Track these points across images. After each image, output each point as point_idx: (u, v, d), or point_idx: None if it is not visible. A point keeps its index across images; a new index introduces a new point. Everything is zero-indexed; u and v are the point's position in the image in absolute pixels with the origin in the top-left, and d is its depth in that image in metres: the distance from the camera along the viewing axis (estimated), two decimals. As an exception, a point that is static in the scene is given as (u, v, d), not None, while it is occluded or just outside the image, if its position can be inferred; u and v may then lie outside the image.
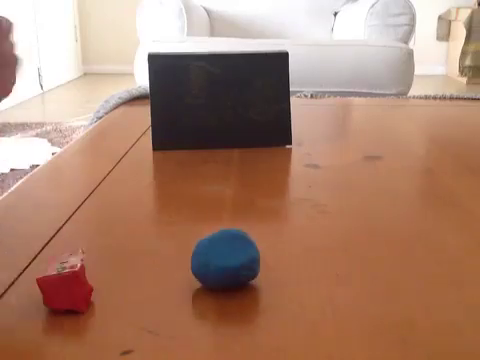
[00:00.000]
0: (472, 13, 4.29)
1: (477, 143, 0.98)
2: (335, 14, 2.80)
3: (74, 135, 2.72)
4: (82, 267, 0.44)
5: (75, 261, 0.45)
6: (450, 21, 4.77)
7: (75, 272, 0.43)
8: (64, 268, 0.44)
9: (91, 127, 1.10)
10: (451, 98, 1.43)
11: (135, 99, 1.36)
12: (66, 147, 0.94)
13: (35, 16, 4.03)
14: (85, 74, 5.06)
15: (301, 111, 1.26)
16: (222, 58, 0.92)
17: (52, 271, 0.43)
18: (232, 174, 0.80)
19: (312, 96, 1.45)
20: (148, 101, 1.33)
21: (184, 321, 0.42)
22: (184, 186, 0.74)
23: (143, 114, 1.20)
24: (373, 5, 2.33)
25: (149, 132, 1.04)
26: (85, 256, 0.53)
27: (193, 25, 2.40)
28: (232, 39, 2.24)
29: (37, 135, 2.72)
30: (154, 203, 0.68)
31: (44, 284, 0.43)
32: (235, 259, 0.45)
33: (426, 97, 1.44)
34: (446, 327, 0.42)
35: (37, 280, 0.43)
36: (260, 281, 0.48)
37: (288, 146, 0.95)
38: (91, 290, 0.45)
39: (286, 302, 0.45)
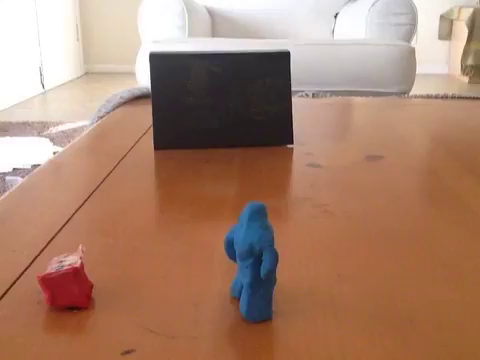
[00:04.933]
0: (474, 12, 4.28)
1: (479, 142, 0.97)
2: (335, 16, 2.79)
3: (75, 134, 2.72)
4: (81, 264, 0.44)
5: (74, 259, 0.45)
6: (452, 20, 4.77)
7: (75, 269, 0.43)
8: (63, 266, 0.44)
9: (92, 126, 1.10)
10: (453, 97, 1.42)
11: (136, 99, 1.36)
12: (67, 146, 0.94)
13: (37, 15, 4.04)
14: (87, 73, 5.07)
15: (303, 110, 1.26)
16: (224, 57, 0.92)
17: (52, 269, 0.44)
18: (234, 174, 0.80)
19: (314, 95, 1.45)
20: (150, 101, 1.33)
21: (185, 321, 0.42)
22: (185, 185, 0.74)
23: (144, 114, 1.20)
24: (374, 4, 2.32)
25: (150, 132, 1.04)
26: (84, 254, 0.53)
27: (195, 25, 2.40)
28: (234, 39, 2.24)
29: (39, 134, 2.72)
30: (155, 202, 0.68)
31: (45, 282, 0.43)
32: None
33: (428, 96, 1.44)
34: (447, 326, 0.42)
35: (37, 278, 0.43)
36: (261, 280, 0.48)
37: (290, 146, 0.95)
38: (91, 286, 0.45)
39: (287, 302, 0.45)
